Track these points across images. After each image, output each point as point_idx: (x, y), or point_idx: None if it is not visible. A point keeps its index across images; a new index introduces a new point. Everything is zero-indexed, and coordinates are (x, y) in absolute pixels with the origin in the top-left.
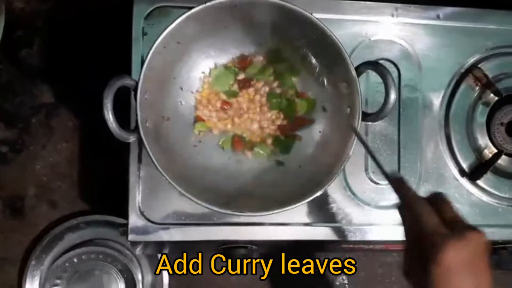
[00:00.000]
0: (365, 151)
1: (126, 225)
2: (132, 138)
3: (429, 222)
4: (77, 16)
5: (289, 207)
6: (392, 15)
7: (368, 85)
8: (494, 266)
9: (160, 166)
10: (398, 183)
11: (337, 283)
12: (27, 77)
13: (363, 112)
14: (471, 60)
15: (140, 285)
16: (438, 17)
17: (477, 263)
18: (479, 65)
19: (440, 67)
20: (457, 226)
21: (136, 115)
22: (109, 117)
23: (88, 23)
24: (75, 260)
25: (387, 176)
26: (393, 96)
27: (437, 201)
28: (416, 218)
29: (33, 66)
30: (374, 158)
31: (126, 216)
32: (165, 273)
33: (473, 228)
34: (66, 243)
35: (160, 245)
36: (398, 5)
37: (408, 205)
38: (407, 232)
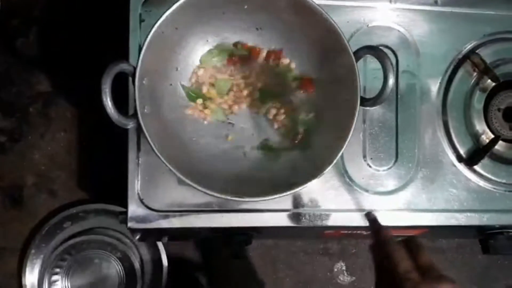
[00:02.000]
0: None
1: (126, 212)
2: (131, 124)
3: (401, 267)
4: (73, 4)
5: (287, 193)
6: (390, 1)
7: (366, 72)
8: (491, 251)
9: (159, 152)
10: (375, 223)
11: (335, 269)
12: (24, 66)
13: (361, 97)
14: (469, 46)
15: (140, 273)
16: (436, 3)
17: None
18: (477, 51)
19: (438, 53)
20: (430, 274)
21: (135, 101)
22: (108, 103)
23: (85, 11)
24: (74, 249)
25: (366, 214)
26: (391, 81)
27: (412, 245)
28: (389, 261)
29: (30, 55)
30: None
31: (125, 204)
32: (164, 261)
33: (445, 278)
34: (66, 232)
35: (159, 233)
36: None
37: (382, 246)
38: (378, 272)
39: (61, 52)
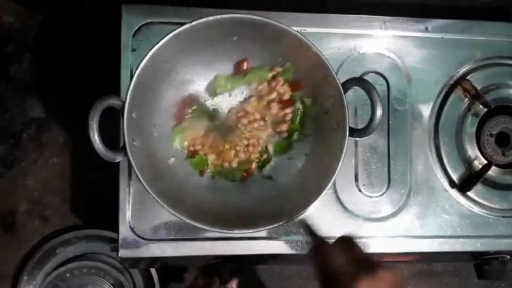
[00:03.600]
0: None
1: (117, 240)
2: (119, 158)
3: (336, 262)
4: (66, 31)
5: (277, 224)
6: (381, 28)
7: (357, 96)
8: (486, 276)
9: (148, 186)
10: (308, 230)
11: None
12: (17, 92)
13: (350, 128)
14: (460, 71)
15: None
16: (426, 29)
17: None
18: (467, 77)
19: (429, 79)
20: (366, 265)
21: (123, 134)
22: (95, 138)
23: (78, 38)
24: (67, 275)
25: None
26: (379, 112)
27: (345, 243)
28: (325, 260)
29: (23, 81)
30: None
31: (116, 232)
32: (157, 287)
33: (382, 267)
34: (59, 258)
35: (151, 260)
36: (387, 18)
37: (317, 248)
38: (318, 274)
39: (54, 78)
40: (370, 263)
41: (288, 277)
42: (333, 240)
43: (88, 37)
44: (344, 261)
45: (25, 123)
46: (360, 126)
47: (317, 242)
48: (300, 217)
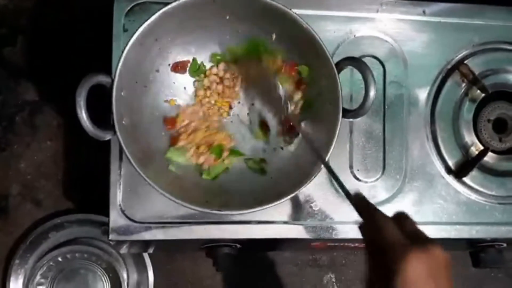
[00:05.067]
0: (328, 172)
1: (108, 224)
2: (108, 136)
3: (390, 234)
4: (60, 13)
5: (269, 205)
6: (377, 11)
7: (353, 81)
8: (482, 264)
9: (137, 165)
10: (360, 201)
11: (325, 281)
12: (10, 75)
13: (343, 109)
14: (458, 56)
15: (125, 284)
16: (423, 13)
17: (439, 276)
18: (465, 61)
19: (426, 64)
20: (418, 239)
21: (112, 112)
22: (82, 115)
23: (71, 21)
24: (59, 259)
25: (348, 195)
26: (372, 93)
27: (399, 217)
28: (377, 231)
29: (17, 64)
30: (337, 180)
31: (107, 215)
32: (150, 272)
33: (434, 242)
34: (51, 242)
35: (144, 244)
36: (384, 0)
37: (370, 220)
38: (369, 245)
39: (48, 61)
40: (424, 239)
41: (282, 264)
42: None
43: (82, 19)
44: (397, 234)
45: (18, 106)
46: None
47: (371, 214)
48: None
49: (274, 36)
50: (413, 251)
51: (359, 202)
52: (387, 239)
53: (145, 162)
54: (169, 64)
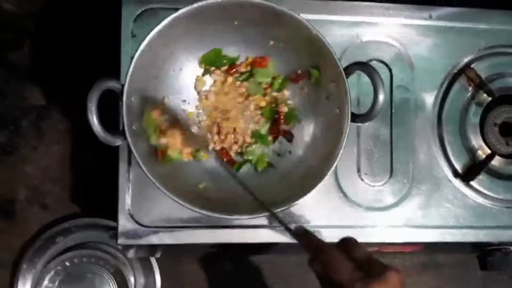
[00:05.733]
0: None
1: (116, 228)
2: (118, 142)
3: (344, 271)
4: (67, 18)
5: (277, 210)
6: (384, 15)
7: (360, 85)
8: (489, 267)
9: (147, 170)
10: (303, 236)
11: None
12: (17, 79)
13: (352, 113)
14: (464, 60)
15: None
16: (430, 17)
17: None
18: (472, 65)
19: (432, 68)
20: (374, 268)
21: (123, 118)
22: (94, 121)
23: (78, 25)
24: (67, 263)
25: (291, 232)
26: (381, 97)
27: (346, 245)
28: (329, 269)
29: (23, 68)
30: (277, 218)
31: (116, 220)
32: (157, 276)
33: (389, 268)
34: (58, 246)
35: (151, 248)
36: (390, 5)
37: (317, 256)
38: (322, 283)
39: (55, 65)
40: (378, 264)
41: (288, 267)
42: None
43: (89, 24)
44: (349, 267)
45: (25, 110)
46: None
47: (316, 249)
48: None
49: (271, 42)
50: (373, 285)
51: (303, 237)
52: (342, 276)
53: (155, 166)
54: (181, 69)
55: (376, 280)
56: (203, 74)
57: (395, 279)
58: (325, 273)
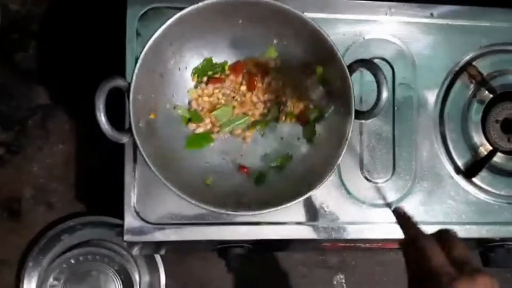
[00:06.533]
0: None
1: (122, 225)
2: (125, 139)
3: (435, 261)
4: (72, 18)
5: (282, 206)
6: (386, 14)
7: (363, 83)
8: (492, 264)
9: (154, 167)
10: (403, 218)
11: (335, 282)
12: (22, 79)
13: (356, 110)
14: (466, 57)
15: (137, 285)
16: (432, 15)
17: None
18: (473, 63)
19: (434, 65)
20: (466, 268)
21: (129, 115)
22: (102, 118)
23: (83, 25)
24: (72, 261)
25: (393, 211)
26: (385, 94)
27: (445, 238)
28: (421, 256)
29: (29, 68)
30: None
31: (121, 217)
32: (162, 273)
33: (483, 272)
34: (63, 244)
35: (156, 245)
36: (392, 3)
37: (413, 242)
38: (410, 270)
39: (60, 65)
40: (470, 266)
41: (292, 265)
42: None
43: (93, 24)
44: (443, 261)
45: (30, 110)
46: None
47: (415, 235)
48: (395, 204)
49: (275, 41)
50: (459, 283)
51: (400, 218)
52: (431, 267)
53: (161, 163)
54: (186, 68)
55: (465, 279)
56: (195, 87)
57: (486, 283)
58: (416, 258)
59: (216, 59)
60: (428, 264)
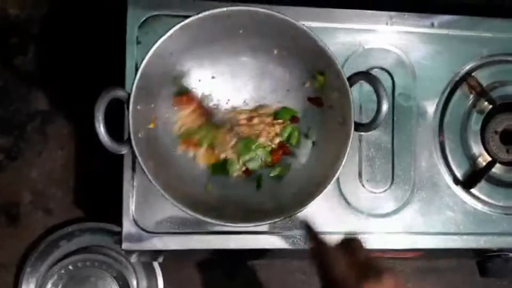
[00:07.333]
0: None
1: (120, 233)
2: (124, 150)
3: (338, 269)
4: (72, 23)
5: (280, 218)
6: (387, 23)
7: (362, 92)
8: (489, 273)
9: (152, 177)
10: (309, 231)
11: None
12: (22, 84)
13: (355, 123)
14: (466, 68)
15: None
16: (432, 25)
17: None
18: (473, 73)
19: (434, 75)
20: (371, 270)
21: (129, 126)
22: (101, 130)
23: (83, 30)
24: (70, 267)
25: (303, 224)
26: (385, 107)
27: (348, 245)
28: (326, 265)
29: (28, 73)
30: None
31: (120, 225)
32: (159, 280)
33: (387, 272)
34: (62, 250)
35: (154, 253)
36: (393, 13)
37: (317, 252)
38: (321, 278)
39: (59, 70)
40: (375, 267)
41: (290, 272)
42: (335, 237)
43: (93, 29)
44: (344, 266)
45: (29, 115)
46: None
47: (318, 243)
48: (301, 216)
49: (276, 51)
50: (366, 283)
51: (306, 230)
52: (336, 272)
53: (160, 172)
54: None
55: (371, 280)
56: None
57: (389, 282)
58: (322, 267)
59: (216, 69)
60: (333, 272)
